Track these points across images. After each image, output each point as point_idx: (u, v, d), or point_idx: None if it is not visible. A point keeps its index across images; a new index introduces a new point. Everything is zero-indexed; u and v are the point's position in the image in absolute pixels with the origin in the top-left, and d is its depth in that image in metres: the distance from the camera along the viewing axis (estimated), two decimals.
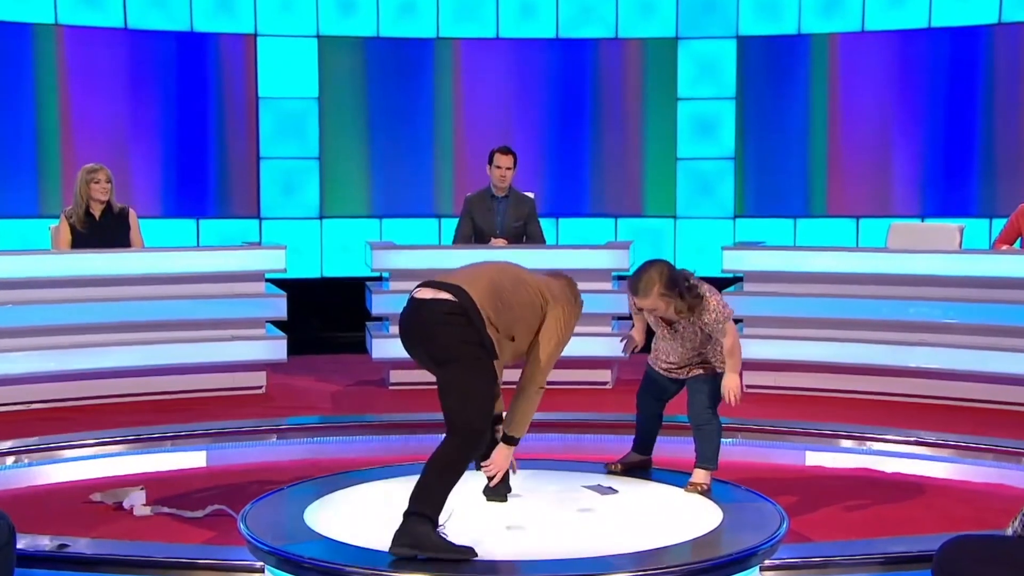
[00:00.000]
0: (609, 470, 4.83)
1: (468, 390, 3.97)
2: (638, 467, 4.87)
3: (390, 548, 3.76)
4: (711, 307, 4.66)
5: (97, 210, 7.24)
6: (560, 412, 6.49)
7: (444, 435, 3.97)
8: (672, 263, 4.72)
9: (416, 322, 4.08)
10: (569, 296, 4.39)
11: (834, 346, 7.41)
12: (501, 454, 4.25)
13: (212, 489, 5.41)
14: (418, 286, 4.17)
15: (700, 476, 4.60)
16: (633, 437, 4.96)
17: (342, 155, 10.21)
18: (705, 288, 4.73)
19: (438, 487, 3.85)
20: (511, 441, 4.25)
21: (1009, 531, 3.46)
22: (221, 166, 10.09)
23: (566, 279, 4.49)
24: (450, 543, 3.77)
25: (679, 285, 4.60)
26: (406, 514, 3.79)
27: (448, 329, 4.00)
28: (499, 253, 7.52)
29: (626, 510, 4.34)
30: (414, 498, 3.82)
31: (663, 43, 10.24)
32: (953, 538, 3.48)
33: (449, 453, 3.92)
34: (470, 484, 4.54)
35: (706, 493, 4.52)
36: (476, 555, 3.76)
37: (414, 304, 4.11)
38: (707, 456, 4.66)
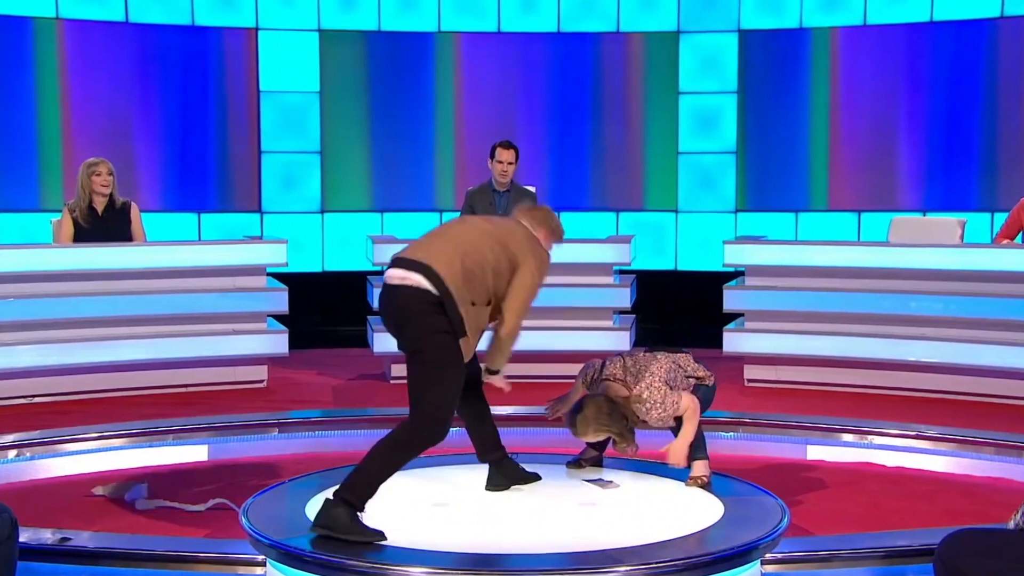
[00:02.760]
0: (575, 465, 4.81)
1: (435, 381, 4.00)
2: (596, 462, 4.84)
3: (310, 526, 3.87)
4: (654, 410, 4.48)
5: (100, 204, 7.24)
6: None
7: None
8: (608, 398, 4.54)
9: (390, 308, 4.15)
10: (534, 246, 4.34)
11: (835, 340, 7.42)
12: (495, 381, 4.40)
13: (214, 483, 5.41)
14: (390, 264, 4.18)
15: (700, 468, 4.58)
16: None
17: (343, 149, 10.21)
18: (658, 379, 4.53)
19: (374, 478, 3.93)
20: (493, 372, 4.38)
21: (1011, 524, 3.46)
22: (222, 160, 10.09)
23: (531, 215, 4.46)
24: (362, 527, 3.83)
25: (616, 422, 4.49)
26: (334, 494, 3.90)
27: (420, 319, 4.04)
28: None
29: (627, 504, 4.35)
30: (346, 481, 3.91)
31: (664, 37, 10.23)
32: (955, 532, 3.48)
33: (401, 438, 3.98)
34: (471, 481, 4.55)
35: (707, 486, 4.52)
36: (385, 539, 3.81)
37: (388, 290, 4.15)
38: (699, 446, 4.63)
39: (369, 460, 3.96)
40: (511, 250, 4.23)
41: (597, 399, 4.49)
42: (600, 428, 4.48)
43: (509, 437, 6.25)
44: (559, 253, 7.56)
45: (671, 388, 4.52)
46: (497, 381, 4.40)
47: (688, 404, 4.52)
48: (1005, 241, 7.38)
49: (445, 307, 4.03)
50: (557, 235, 4.53)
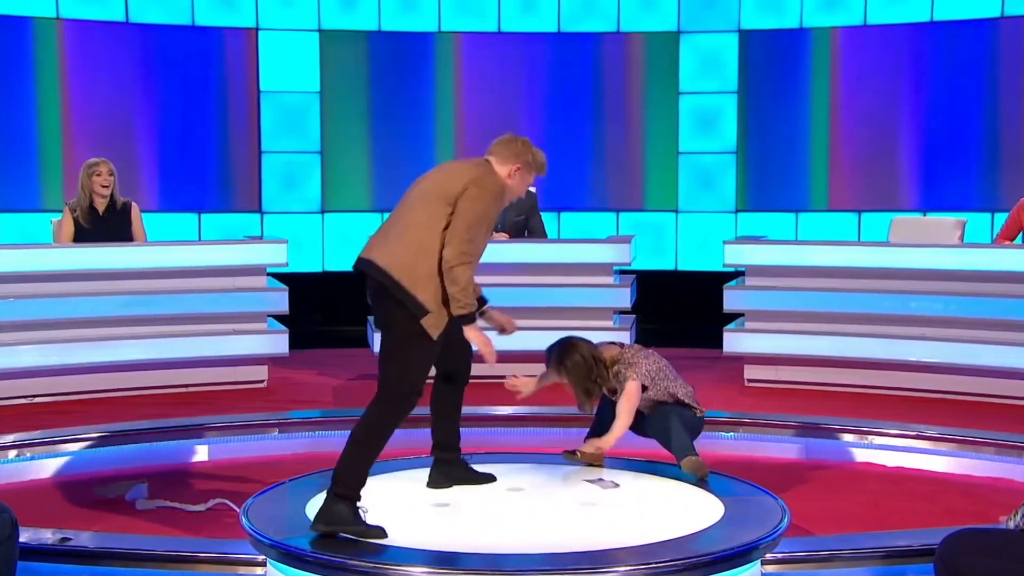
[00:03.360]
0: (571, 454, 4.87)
1: (401, 358, 4.02)
2: (596, 460, 4.88)
3: (311, 526, 3.90)
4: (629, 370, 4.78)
5: (100, 205, 7.23)
6: (561, 407, 6.50)
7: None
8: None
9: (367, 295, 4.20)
10: (480, 174, 4.18)
11: (835, 340, 7.42)
12: (469, 334, 4.20)
13: (214, 483, 5.42)
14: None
15: (691, 464, 4.62)
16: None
17: (343, 149, 10.21)
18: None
19: (359, 463, 3.96)
20: (465, 320, 4.13)
21: (1011, 524, 3.46)
22: (222, 160, 10.10)
23: (502, 148, 4.32)
24: (363, 523, 3.87)
25: (582, 375, 4.71)
26: (328, 492, 3.92)
27: (380, 306, 4.11)
28: (504, 246, 7.55)
29: (627, 504, 4.35)
30: (336, 476, 3.94)
31: (665, 37, 10.23)
32: (955, 532, 3.48)
33: (372, 421, 4.00)
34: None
35: (705, 476, 4.54)
36: (386, 535, 3.85)
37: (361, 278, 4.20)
38: (684, 446, 4.68)
39: (349, 448, 3.99)
40: (454, 194, 4.09)
41: (584, 347, 4.74)
42: (568, 373, 4.70)
43: (509, 437, 6.30)
44: (559, 253, 7.62)
45: (645, 374, 4.73)
46: (472, 334, 4.18)
47: (631, 388, 4.69)
48: (1005, 242, 7.38)
49: (396, 298, 4.01)
50: (536, 168, 4.39)
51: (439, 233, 4.07)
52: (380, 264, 4.06)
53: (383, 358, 4.07)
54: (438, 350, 4.12)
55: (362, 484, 3.93)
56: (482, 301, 4.43)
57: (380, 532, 3.87)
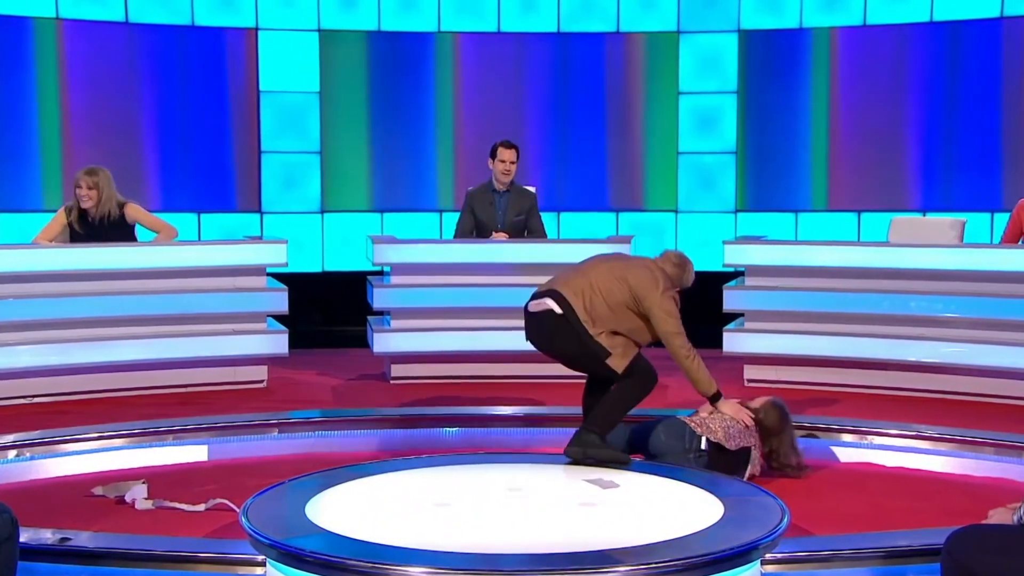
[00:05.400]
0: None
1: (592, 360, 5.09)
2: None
3: (564, 451, 4.81)
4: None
5: (93, 213, 7.24)
6: (561, 407, 6.50)
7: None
8: None
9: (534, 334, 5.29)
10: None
11: (835, 340, 7.42)
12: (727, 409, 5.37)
13: (214, 483, 5.41)
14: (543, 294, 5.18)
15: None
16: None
17: (343, 149, 10.21)
18: None
19: (612, 414, 5.00)
20: (713, 398, 5.32)
21: (1015, 518, 3.45)
22: (222, 160, 10.09)
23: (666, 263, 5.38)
24: (611, 449, 4.85)
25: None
26: (581, 428, 4.91)
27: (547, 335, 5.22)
28: (503, 246, 7.56)
29: (627, 503, 4.35)
30: (591, 419, 4.97)
31: (664, 37, 10.23)
32: (961, 528, 3.47)
33: (624, 391, 5.04)
34: (471, 481, 4.56)
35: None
36: (630, 461, 4.79)
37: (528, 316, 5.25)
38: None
39: (605, 409, 5.02)
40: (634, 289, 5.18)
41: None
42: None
43: (509, 437, 6.30)
44: (559, 253, 7.61)
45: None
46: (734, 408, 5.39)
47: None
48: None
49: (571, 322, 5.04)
50: (677, 284, 5.36)
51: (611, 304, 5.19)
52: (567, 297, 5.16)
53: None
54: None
55: (611, 428, 5.00)
56: None
57: (625, 457, 4.82)
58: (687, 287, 5.41)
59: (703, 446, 5.15)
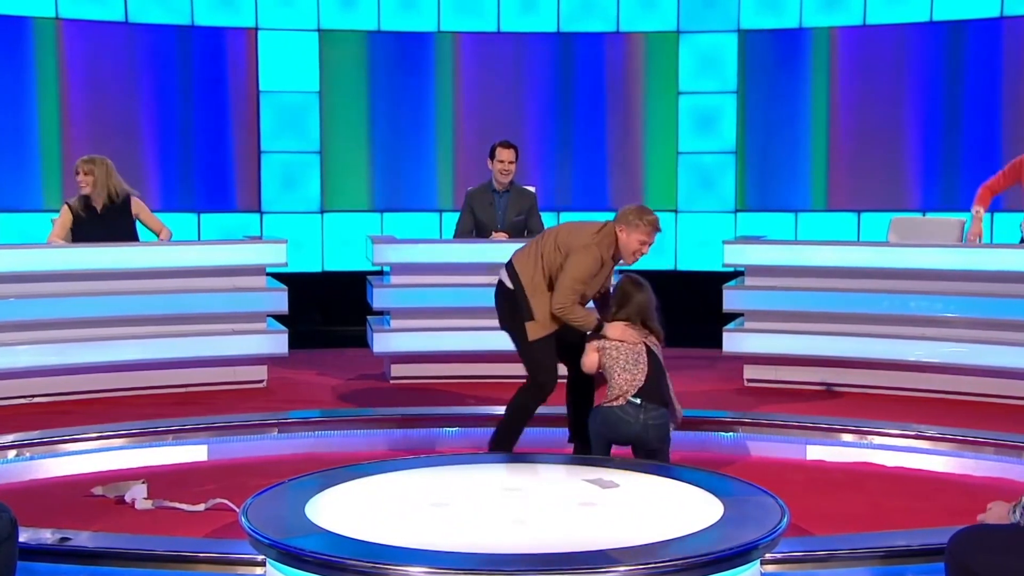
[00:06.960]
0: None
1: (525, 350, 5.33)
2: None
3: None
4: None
5: (97, 201, 7.26)
6: (560, 407, 6.49)
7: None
8: None
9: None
10: (586, 241, 5.35)
11: (835, 340, 7.42)
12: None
13: (214, 483, 5.41)
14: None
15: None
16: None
17: (343, 149, 10.21)
18: None
19: (509, 430, 5.31)
20: (597, 329, 5.33)
21: (1017, 515, 3.45)
22: (222, 160, 10.09)
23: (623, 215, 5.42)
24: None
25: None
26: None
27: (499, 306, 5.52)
28: (503, 246, 7.54)
29: (627, 503, 4.35)
30: (492, 441, 5.30)
31: (664, 37, 10.23)
32: (964, 529, 3.46)
33: (514, 408, 5.30)
34: (471, 481, 4.56)
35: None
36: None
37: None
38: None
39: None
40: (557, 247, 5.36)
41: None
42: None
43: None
44: None
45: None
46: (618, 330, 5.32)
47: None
48: (990, 194, 7.47)
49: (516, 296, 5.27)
50: (645, 228, 5.37)
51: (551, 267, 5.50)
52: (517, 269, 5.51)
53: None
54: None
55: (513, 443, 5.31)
56: None
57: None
58: (639, 250, 5.48)
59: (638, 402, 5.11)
